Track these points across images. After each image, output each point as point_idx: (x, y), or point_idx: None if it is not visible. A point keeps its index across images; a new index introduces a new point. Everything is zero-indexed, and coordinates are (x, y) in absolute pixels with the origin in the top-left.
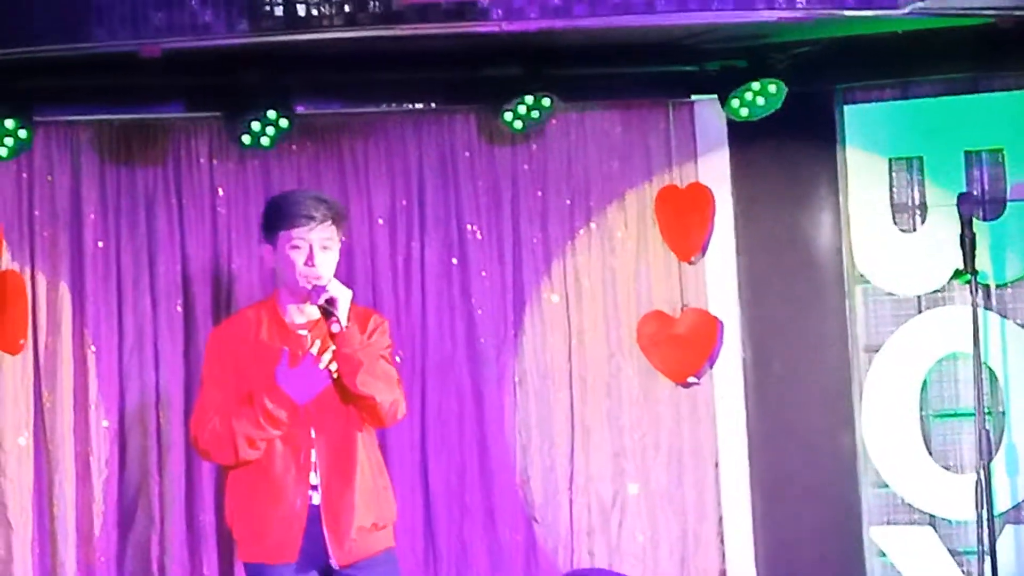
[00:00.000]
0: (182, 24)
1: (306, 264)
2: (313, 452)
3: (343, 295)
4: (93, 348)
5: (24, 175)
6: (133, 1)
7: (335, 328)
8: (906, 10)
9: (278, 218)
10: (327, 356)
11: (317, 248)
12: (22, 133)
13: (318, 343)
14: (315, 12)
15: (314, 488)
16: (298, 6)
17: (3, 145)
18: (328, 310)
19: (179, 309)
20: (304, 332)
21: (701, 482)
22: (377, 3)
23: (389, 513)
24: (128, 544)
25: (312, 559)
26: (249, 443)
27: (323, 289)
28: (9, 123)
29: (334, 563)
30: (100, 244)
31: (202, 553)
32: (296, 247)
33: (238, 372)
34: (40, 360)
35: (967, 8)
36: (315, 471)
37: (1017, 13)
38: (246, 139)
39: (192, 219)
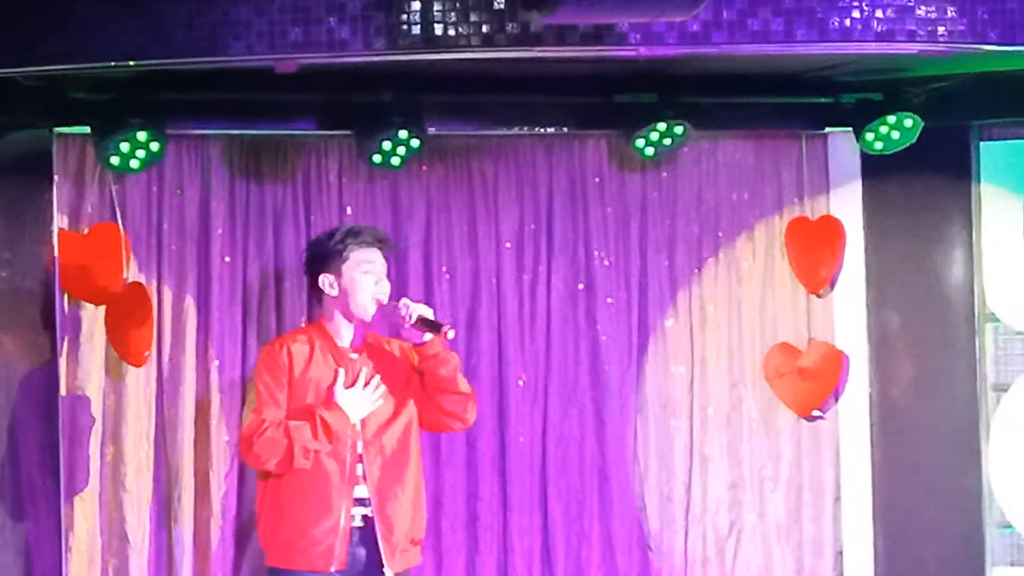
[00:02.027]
0: (319, 40)
1: (377, 284)
2: (360, 466)
3: (425, 307)
4: (216, 362)
5: (154, 188)
6: (271, 16)
7: (450, 333)
8: None
9: (344, 245)
10: (375, 383)
11: (382, 268)
12: (154, 145)
13: (365, 369)
14: (452, 32)
15: (359, 501)
16: (436, 25)
17: (135, 157)
18: (429, 323)
19: (303, 325)
20: (355, 356)
21: (819, 517)
22: (515, 24)
23: (423, 530)
24: (244, 560)
25: (360, 569)
26: (304, 453)
27: (397, 308)
28: (142, 135)
29: (389, 573)
30: (227, 259)
31: None
32: (367, 271)
33: (292, 388)
34: (164, 373)
35: None
36: (363, 483)
37: None
38: (376, 158)
39: None
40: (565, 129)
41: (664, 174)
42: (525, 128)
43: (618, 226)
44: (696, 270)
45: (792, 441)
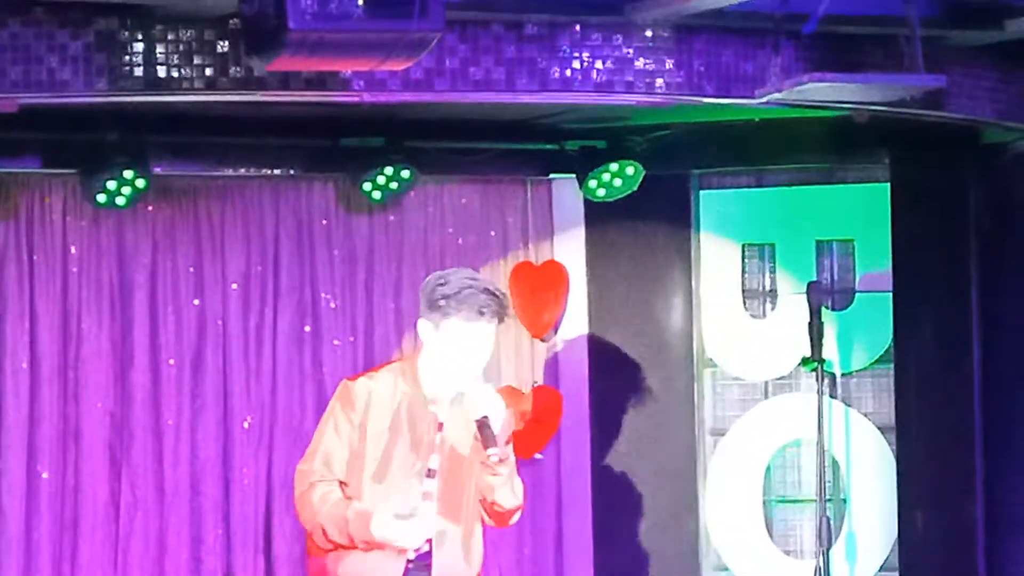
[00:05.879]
0: (40, 80)
1: (466, 357)
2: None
3: (496, 413)
4: None
5: None
6: None
7: (493, 458)
8: (763, 100)
9: (456, 302)
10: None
11: (480, 343)
12: None
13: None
14: (176, 74)
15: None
16: (159, 67)
17: None
18: (486, 429)
19: (24, 367)
20: (436, 410)
21: (541, 560)
22: (239, 68)
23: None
24: None
25: None
26: (326, 539)
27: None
28: None
29: None
30: None
31: None
32: (461, 338)
33: (363, 429)
34: None
35: (822, 101)
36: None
37: (872, 108)
38: (101, 198)
39: (43, 276)
40: (292, 171)
41: (391, 218)
42: (252, 169)
43: (345, 269)
44: None
45: None
